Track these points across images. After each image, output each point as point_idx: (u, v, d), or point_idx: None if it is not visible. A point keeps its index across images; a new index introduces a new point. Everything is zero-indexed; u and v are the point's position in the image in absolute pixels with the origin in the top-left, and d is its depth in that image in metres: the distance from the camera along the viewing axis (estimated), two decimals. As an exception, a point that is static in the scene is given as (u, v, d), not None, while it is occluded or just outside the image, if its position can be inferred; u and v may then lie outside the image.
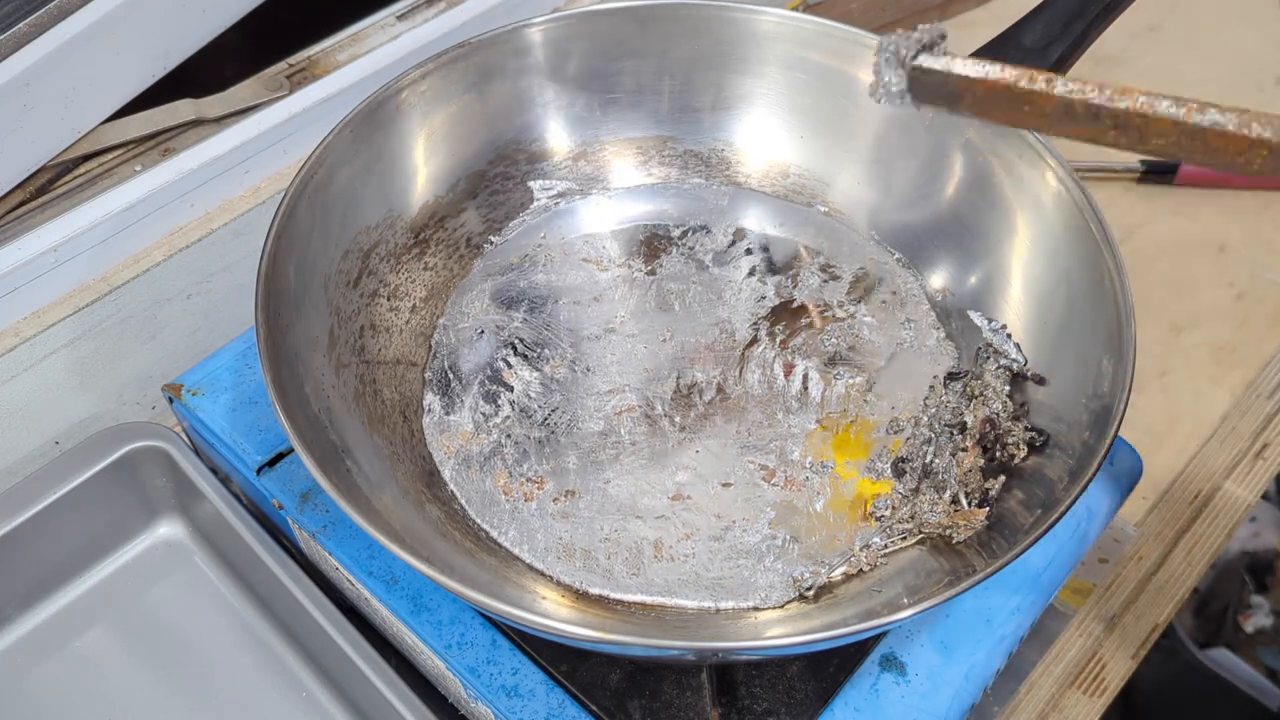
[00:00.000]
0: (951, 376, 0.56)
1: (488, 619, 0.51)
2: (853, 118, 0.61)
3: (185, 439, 0.60)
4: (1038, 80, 0.39)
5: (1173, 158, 0.38)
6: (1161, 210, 0.80)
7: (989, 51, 0.59)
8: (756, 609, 0.49)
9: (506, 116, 0.62)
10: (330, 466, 0.45)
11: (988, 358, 0.55)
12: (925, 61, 0.42)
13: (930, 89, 0.42)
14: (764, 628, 0.48)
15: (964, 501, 0.50)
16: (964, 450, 0.52)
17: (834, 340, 0.58)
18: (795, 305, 0.60)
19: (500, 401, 0.56)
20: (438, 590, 0.52)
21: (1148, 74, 0.89)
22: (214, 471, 0.58)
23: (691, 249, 0.62)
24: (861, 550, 0.50)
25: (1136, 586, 0.62)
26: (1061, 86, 0.39)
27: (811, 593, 0.49)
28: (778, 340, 0.58)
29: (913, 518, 0.51)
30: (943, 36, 0.42)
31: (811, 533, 0.51)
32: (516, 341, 0.58)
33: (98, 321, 0.62)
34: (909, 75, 0.42)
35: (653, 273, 0.61)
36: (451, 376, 0.57)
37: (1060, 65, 0.60)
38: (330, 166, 0.54)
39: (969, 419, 0.53)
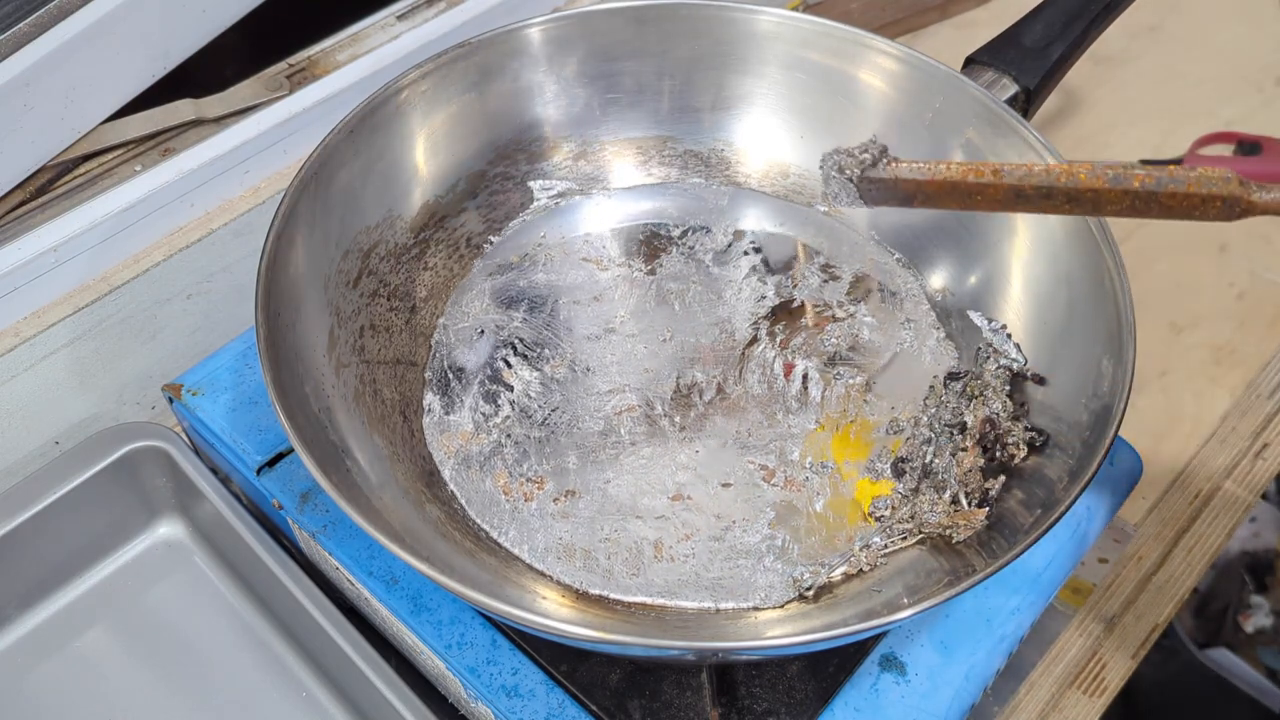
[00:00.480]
0: (951, 376, 0.56)
1: (488, 619, 0.51)
2: (853, 118, 0.61)
3: (185, 439, 0.60)
4: (984, 173, 0.40)
5: (1131, 217, 0.39)
6: (1161, 210, 0.80)
7: (990, 50, 0.60)
8: (756, 609, 0.49)
9: (506, 116, 0.62)
10: (330, 466, 0.45)
11: (988, 358, 0.55)
12: (871, 173, 0.43)
13: (881, 194, 0.43)
14: (764, 628, 0.48)
15: (964, 501, 0.50)
16: (964, 450, 0.52)
17: (834, 340, 0.58)
18: (795, 305, 0.60)
19: (500, 401, 0.56)
20: (438, 590, 0.52)
21: (1148, 74, 0.89)
22: (214, 471, 0.58)
23: (691, 249, 0.62)
24: (861, 550, 0.50)
25: (1136, 586, 0.62)
26: (1009, 176, 0.40)
27: (811, 593, 0.49)
28: (778, 340, 0.58)
29: (913, 518, 0.51)
30: (884, 151, 0.43)
31: (811, 533, 0.51)
32: (516, 341, 0.58)
33: (98, 321, 0.62)
34: (857, 187, 0.43)
35: (653, 272, 0.61)
36: (451, 376, 0.57)
37: (1060, 65, 0.60)
38: (330, 166, 0.54)
39: (969, 419, 0.53)
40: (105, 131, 0.64)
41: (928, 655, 0.51)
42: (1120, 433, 0.46)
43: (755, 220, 0.63)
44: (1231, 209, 0.37)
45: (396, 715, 0.50)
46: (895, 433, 0.55)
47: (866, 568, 0.50)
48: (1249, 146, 0.81)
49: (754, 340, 0.58)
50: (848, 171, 0.43)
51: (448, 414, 0.55)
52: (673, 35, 0.62)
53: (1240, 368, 0.71)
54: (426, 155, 0.60)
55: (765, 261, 0.62)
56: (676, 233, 0.63)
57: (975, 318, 0.57)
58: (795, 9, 0.64)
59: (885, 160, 0.43)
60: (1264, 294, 0.75)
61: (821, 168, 0.44)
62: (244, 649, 0.56)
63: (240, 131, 0.65)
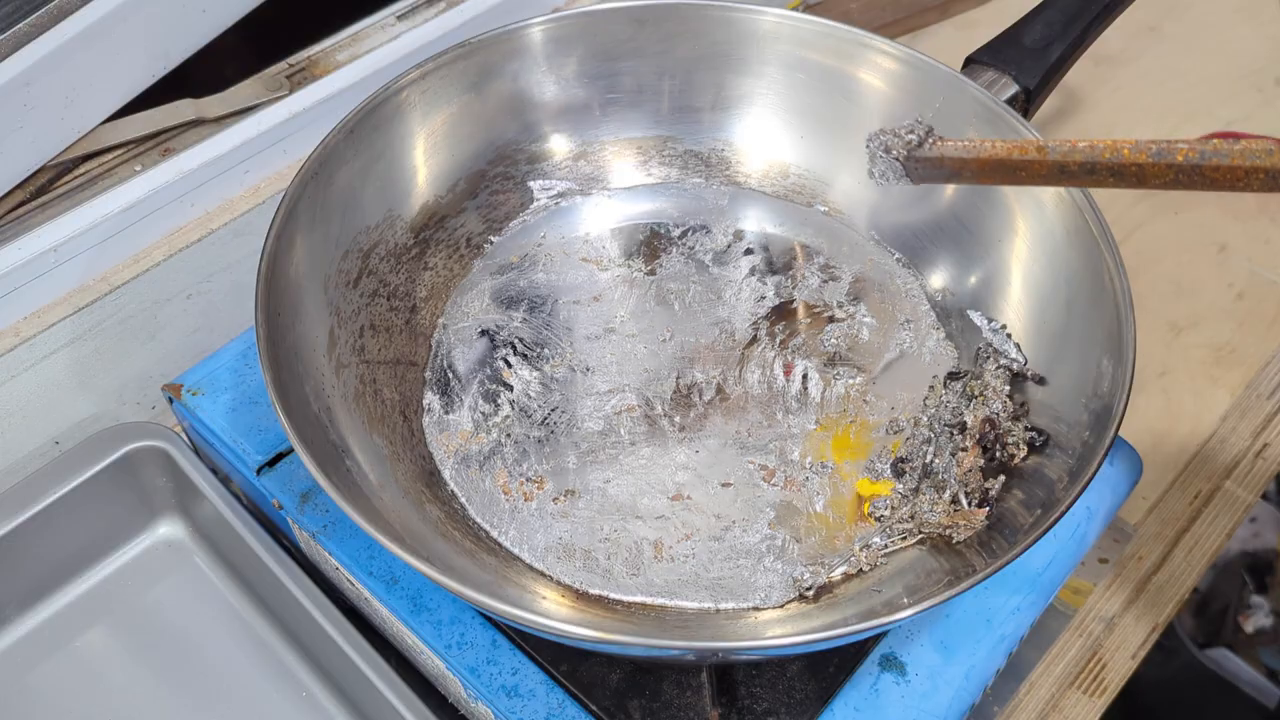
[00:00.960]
0: (951, 376, 0.56)
1: (488, 619, 0.51)
2: (853, 117, 0.61)
3: (185, 439, 0.60)
4: (1029, 151, 0.41)
5: (1174, 189, 0.40)
6: (1161, 210, 0.80)
7: (990, 50, 0.60)
8: (756, 609, 0.49)
9: (506, 116, 0.62)
10: (330, 466, 0.45)
11: (988, 358, 0.55)
12: (918, 153, 0.43)
13: (927, 172, 0.44)
14: (764, 628, 0.48)
15: (964, 501, 0.50)
16: (964, 450, 0.52)
17: (834, 340, 0.58)
18: (795, 305, 0.60)
19: (500, 401, 0.56)
20: (438, 590, 0.52)
21: (1148, 74, 0.89)
22: (214, 471, 0.58)
23: (691, 249, 0.62)
24: (861, 550, 0.50)
25: (1136, 586, 0.62)
26: (1053, 153, 0.40)
27: (811, 593, 0.49)
28: (777, 340, 0.58)
29: (913, 518, 0.51)
30: (930, 131, 0.43)
31: (811, 533, 0.51)
32: (516, 341, 0.58)
33: (98, 321, 0.62)
34: (904, 166, 0.44)
35: (653, 273, 0.61)
36: (451, 376, 0.57)
37: (1060, 65, 0.60)
38: (330, 166, 0.54)
39: (969, 419, 0.53)
40: (105, 131, 0.64)
41: (928, 655, 0.51)
42: (1120, 433, 0.46)
43: (755, 220, 0.63)
44: (1275, 180, 0.37)
45: (396, 715, 0.50)
46: (895, 433, 0.55)
47: (866, 568, 0.50)
48: (1249, 146, 0.81)
49: (754, 340, 0.58)
50: (894, 151, 0.44)
51: (448, 414, 0.55)
52: (673, 35, 0.62)
53: (1240, 368, 0.71)
54: (426, 155, 0.60)
55: (765, 261, 0.62)
56: (676, 233, 0.63)
57: (975, 318, 0.57)
58: (795, 9, 0.64)
59: (931, 140, 0.43)
60: (1264, 294, 0.75)
61: (868, 147, 0.44)
62: (244, 649, 0.56)
63: (240, 131, 0.65)
